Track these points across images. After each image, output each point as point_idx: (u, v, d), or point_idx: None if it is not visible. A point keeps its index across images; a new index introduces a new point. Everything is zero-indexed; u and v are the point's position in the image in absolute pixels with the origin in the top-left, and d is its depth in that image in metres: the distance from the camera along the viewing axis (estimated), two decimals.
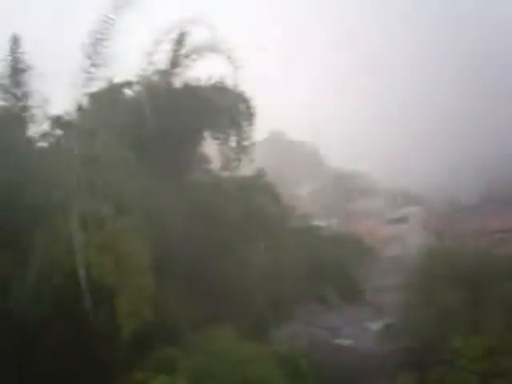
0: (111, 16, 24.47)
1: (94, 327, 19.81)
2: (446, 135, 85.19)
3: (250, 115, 27.38)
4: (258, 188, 28.97)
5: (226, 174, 28.43)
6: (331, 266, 33.14)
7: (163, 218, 21.94)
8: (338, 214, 72.70)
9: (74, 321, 19.81)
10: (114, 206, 20.16)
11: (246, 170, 29.18)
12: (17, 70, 25.61)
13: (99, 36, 24.63)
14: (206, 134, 28.03)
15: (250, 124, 27.39)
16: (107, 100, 26.66)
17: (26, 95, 25.84)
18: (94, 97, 26.91)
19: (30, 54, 25.91)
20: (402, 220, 67.18)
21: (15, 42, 25.79)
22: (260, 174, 30.39)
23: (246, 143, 27.63)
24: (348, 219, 70.40)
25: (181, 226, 22.83)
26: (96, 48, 24.64)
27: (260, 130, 29.02)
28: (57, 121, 26.79)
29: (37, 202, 21.18)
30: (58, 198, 20.61)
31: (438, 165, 78.13)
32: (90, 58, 24.62)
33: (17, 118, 25.94)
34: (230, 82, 27.08)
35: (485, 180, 73.03)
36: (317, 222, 40.22)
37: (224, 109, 26.67)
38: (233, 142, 27.54)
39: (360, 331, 41.77)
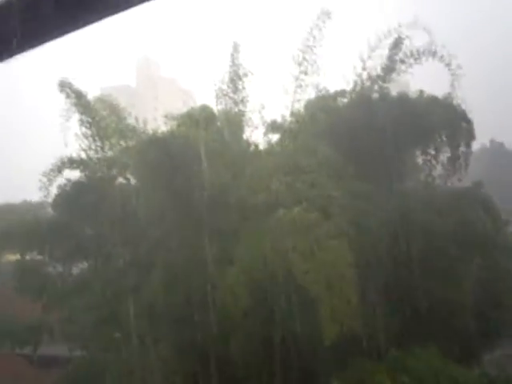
0: (321, 22, 24.71)
1: (293, 331, 19.90)
2: None
3: (469, 136, 25.97)
4: (473, 202, 27.17)
5: (438, 185, 27.15)
6: None
7: (370, 225, 21.34)
8: None
9: (271, 322, 20.11)
10: (320, 211, 19.99)
11: (461, 182, 27.61)
12: (236, 75, 26.81)
13: (309, 43, 24.99)
14: (419, 145, 27.08)
15: (468, 145, 26.01)
16: (320, 107, 26.82)
17: (243, 100, 26.96)
18: (307, 104, 27.35)
19: (250, 60, 27.03)
20: None
21: (235, 48, 27.05)
22: (476, 187, 28.58)
23: (459, 160, 26.24)
24: None
25: (387, 236, 22.09)
26: (306, 55, 25.03)
27: (478, 140, 27.19)
28: (271, 126, 27.61)
29: (244, 203, 21.90)
30: (264, 201, 21.05)
31: None
32: (299, 65, 25.09)
33: (234, 122, 27.15)
34: (447, 91, 25.82)
35: None
36: None
37: (441, 126, 25.64)
38: (445, 157, 26.34)
39: None
